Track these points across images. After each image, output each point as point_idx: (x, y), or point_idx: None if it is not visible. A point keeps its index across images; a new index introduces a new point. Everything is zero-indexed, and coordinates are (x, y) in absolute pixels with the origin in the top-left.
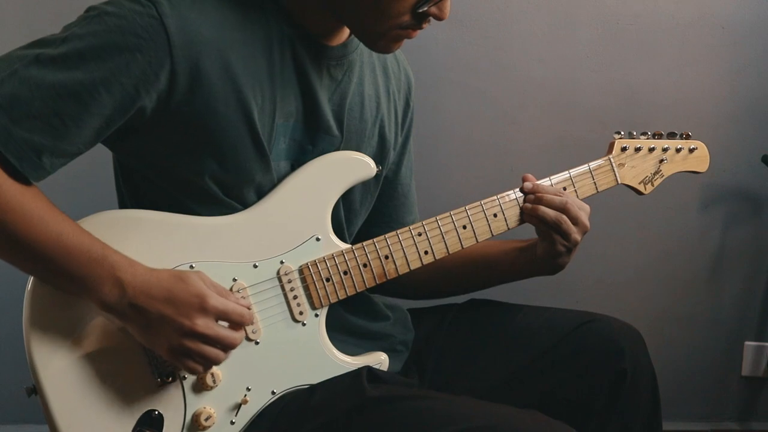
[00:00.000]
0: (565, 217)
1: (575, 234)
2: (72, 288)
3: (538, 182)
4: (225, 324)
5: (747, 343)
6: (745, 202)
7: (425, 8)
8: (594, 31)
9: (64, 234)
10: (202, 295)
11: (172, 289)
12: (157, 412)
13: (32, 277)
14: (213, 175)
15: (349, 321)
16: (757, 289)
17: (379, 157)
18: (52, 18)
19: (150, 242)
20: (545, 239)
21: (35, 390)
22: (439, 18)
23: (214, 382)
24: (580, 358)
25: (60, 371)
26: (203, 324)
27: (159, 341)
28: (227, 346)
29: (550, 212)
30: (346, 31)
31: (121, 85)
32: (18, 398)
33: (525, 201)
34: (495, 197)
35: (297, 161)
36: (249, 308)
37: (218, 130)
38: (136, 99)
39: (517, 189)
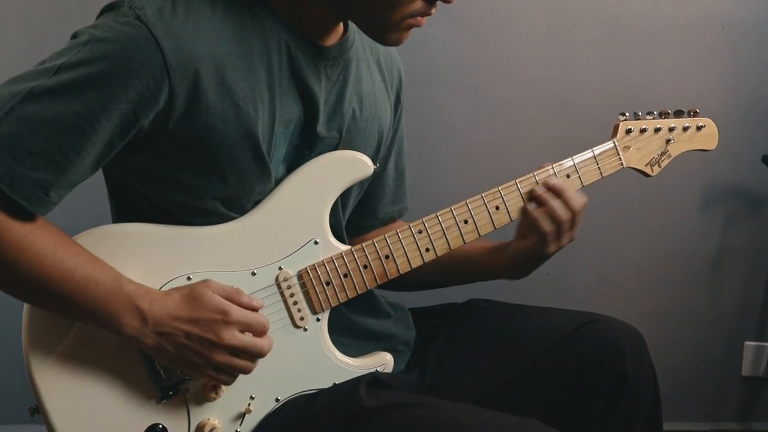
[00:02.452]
0: (570, 216)
1: (567, 239)
2: (90, 321)
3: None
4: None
5: (747, 343)
6: (745, 202)
7: None
8: (594, 31)
9: (79, 269)
10: (223, 310)
11: (192, 308)
12: (161, 426)
13: None
14: (213, 191)
15: (351, 320)
16: (757, 289)
17: (376, 155)
18: (52, 18)
19: (146, 256)
20: (529, 237)
21: (38, 410)
22: (447, 0)
23: (217, 393)
24: (581, 359)
25: (62, 391)
26: (230, 336)
27: (188, 361)
28: (255, 355)
29: (561, 209)
30: (341, 30)
31: (120, 111)
32: (18, 398)
33: (533, 196)
34: (497, 189)
35: (294, 164)
36: (257, 309)
37: (218, 146)
38: (135, 122)
39: (517, 180)
